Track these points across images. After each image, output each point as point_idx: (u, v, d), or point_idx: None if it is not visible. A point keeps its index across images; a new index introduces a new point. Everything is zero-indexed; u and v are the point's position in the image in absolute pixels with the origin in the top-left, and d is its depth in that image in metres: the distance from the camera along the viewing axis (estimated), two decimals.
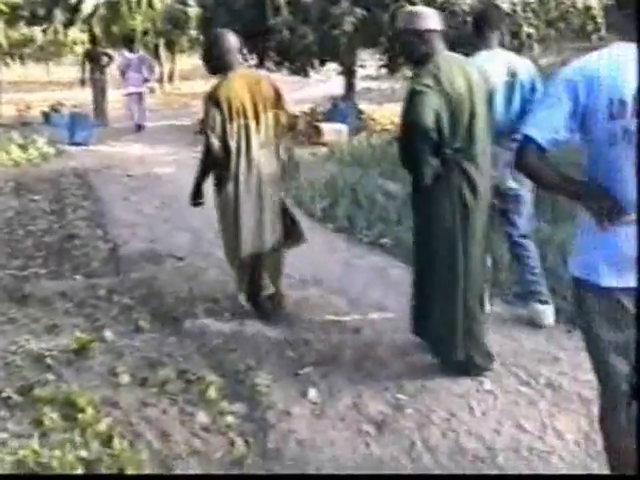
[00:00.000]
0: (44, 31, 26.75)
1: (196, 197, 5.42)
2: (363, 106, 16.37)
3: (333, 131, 13.21)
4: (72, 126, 13.69)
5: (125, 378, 4.45)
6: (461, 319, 4.26)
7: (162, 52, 23.23)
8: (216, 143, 5.04)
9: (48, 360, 4.68)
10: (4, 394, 4.28)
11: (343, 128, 13.47)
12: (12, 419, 4.07)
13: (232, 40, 5.16)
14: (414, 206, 4.49)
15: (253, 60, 15.90)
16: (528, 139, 2.62)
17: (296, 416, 4.03)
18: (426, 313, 4.43)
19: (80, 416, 4.01)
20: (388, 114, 15.82)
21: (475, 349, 4.33)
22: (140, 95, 16.10)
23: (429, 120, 4.02)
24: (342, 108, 14.69)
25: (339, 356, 4.71)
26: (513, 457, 3.62)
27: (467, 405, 4.09)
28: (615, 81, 2.48)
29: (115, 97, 18.25)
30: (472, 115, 4.16)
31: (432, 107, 4.03)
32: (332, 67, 17.24)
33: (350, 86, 15.74)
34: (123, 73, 16.18)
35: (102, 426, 3.92)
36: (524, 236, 5.12)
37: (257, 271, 5.30)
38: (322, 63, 15.72)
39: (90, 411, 4.05)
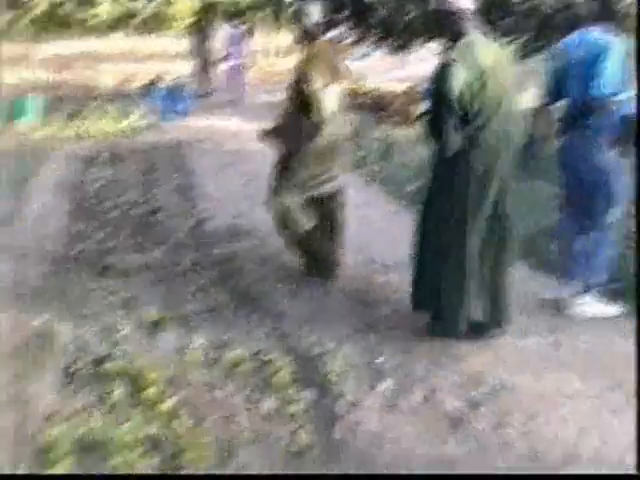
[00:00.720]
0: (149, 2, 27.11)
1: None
2: None
3: None
4: (169, 99, 13.75)
5: (196, 356, 4.35)
6: (469, 281, 4.39)
7: (260, 27, 23.12)
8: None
9: (120, 334, 4.64)
10: (75, 366, 4.25)
11: None
12: (79, 393, 4.02)
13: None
14: (432, 170, 4.49)
15: (353, 36, 15.68)
16: None
17: (366, 407, 3.84)
18: (431, 281, 4.52)
19: (146, 393, 3.93)
20: None
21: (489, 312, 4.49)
22: (239, 69, 16.19)
23: (455, 92, 4.12)
24: None
25: (416, 347, 4.49)
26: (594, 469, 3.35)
27: (547, 406, 3.82)
28: None
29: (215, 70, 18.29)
30: (499, 94, 4.23)
31: (459, 80, 4.13)
32: (434, 46, 16.83)
33: None
34: (225, 47, 16.27)
35: (167, 405, 3.83)
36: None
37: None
38: (428, 41, 15.30)
39: (157, 389, 3.97)
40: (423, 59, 19.69)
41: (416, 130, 11.92)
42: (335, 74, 5.31)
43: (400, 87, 14.99)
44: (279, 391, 4.00)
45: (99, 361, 4.29)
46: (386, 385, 4.05)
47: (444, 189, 4.37)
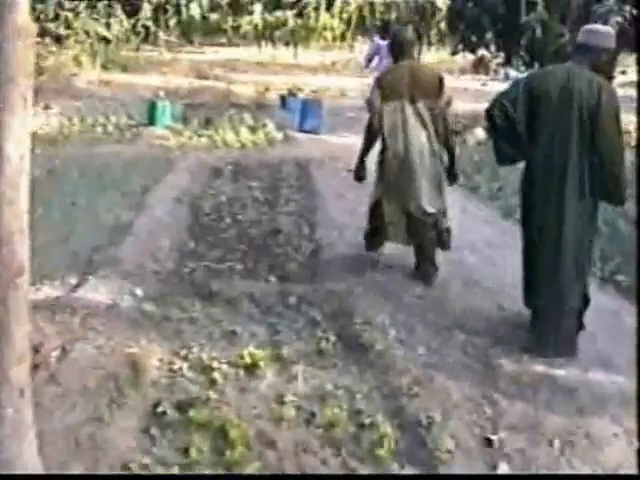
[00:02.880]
0: (298, 15, 27.28)
1: (359, 171, 6.19)
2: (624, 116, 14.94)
3: None
4: (303, 112, 13.44)
5: (290, 411, 3.90)
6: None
7: None
8: (373, 120, 5.81)
9: (215, 374, 4.24)
10: (160, 408, 3.87)
11: None
12: (161, 441, 3.65)
13: (407, 35, 5.97)
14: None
15: (500, 58, 15.01)
16: None
17: None
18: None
19: (229, 453, 3.51)
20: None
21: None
22: None
23: (493, 107, 4.89)
24: None
25: (544, 423, 3.88)
26: None
27: None
28: None
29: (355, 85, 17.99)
30: (559, 114, 4.70)
31: (501, 99, 4.89)
32: None
33: None
34: (369, 60, 15.88)
35: (251, 469, 3.39)
36: None
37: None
38: None
39: (241, 448, 3.54)
40: None
41: None
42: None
43: None
44: (379, 464, 3.50)
45: (186, 405, 3.90)
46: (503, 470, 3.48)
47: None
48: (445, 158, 5.94)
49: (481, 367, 4.53)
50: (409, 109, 5.70)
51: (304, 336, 4.86)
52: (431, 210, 5.73)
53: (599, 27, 5.18)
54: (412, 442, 3.67)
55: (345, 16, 15.66)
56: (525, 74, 5.16)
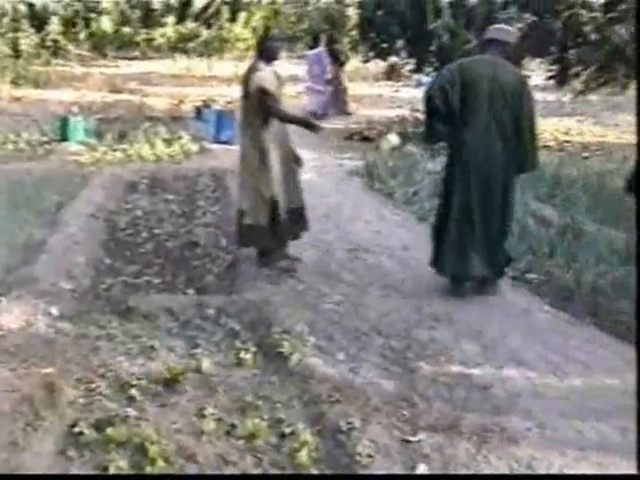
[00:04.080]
0: (209, 27, 27.15)
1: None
2: None
3: None
4: (219, 123, 13.39)
5: (211, 424, 3.88)
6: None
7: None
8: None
9: (134, 390, 4.20)
10: (77, 428, 3.81)
11: None
12: (78, 461, 3.59)
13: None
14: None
15: (411, 65, 15.23)
16: None
17: None
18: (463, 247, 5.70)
19: (149, 469, 3.48)
20: (551, 129, 14.73)
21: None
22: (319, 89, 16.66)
23: (434, 90, 5.59)
24: None
25: (460, 422, 3.95)
26: None
27: None
28: None
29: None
30: (487, 100, 5.48)
31: (441, 82, 5.59)
32: None
33: None
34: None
35: None
36: None
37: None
38: None
39: (161, 464, 3.51)
40: None
41: None
42: None
43: None
44: (299, 471, 3.51)
45: (104, 424, 3.84)
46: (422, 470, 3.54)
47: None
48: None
49: (399, 370, 4.59)
50: None
51: (223, 348, 4.86)
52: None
53: (504, 25, 6.20)
54: (332, 448, 3.69)
55: (251, 26, 15.65)
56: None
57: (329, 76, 16.60)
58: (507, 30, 5.86)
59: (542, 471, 3.53)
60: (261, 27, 16.27)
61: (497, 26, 5.97)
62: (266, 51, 6.16)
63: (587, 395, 4.30)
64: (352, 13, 15.40)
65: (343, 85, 17.49)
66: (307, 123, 6.27)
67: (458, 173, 5.65)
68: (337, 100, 17.06)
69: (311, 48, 17.39)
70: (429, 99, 5.61)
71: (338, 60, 16.47)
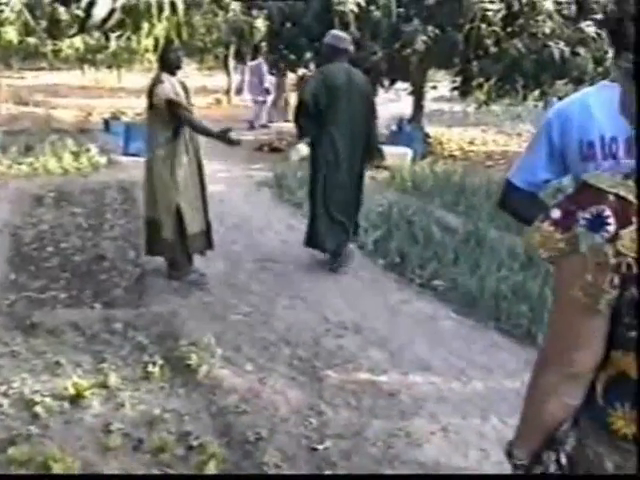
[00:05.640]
0: (118, 38, 26.70)
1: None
2: (432, 129, 15.65)
3: (396, 155, 12.47)
4: (127, 136, 13.25)
5: (117, 439, 3.85)
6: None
7: (230, 63, 22.81)
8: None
9: (38, 408, 4.12)
10: None
11: (407, 152, 12.74)
12: None
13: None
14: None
15: None
16: (508, 181, 2.64)
17: None
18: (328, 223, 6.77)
19: None
20: (457, 138, 15.06)
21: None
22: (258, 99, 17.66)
23: (307, 96, 6.58)
24: (408, 130, 13.96)
25: (367, 428, 4.02)
26: None
27: None
28: (585, 122, 2.38)
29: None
30: (346, 101, 6.53)
31: (311, 90, 6.56)
32: (404, 86, 16.58)
33: (419, 107, 14.97)
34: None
35: None
36: None
37: None
38: (392, 82, 15.08)
39: None
40: (392, 100, 19.54)
41: (382, 174, 11.61)
42: None
43: None
44: None
45: (6, 443, 3.77)
46: None
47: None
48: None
49: (307, 379, 4.64)
50: None
51: (130, 362, 4.81)
52: None
53: (342, 33, 7.17)
54: (240, 459, 3.71)
55: (154, 38, 15.45)
56: None
57: (268, 85, 16.95)
58: (345, 38, 6.81)
59: (446, 473, 3.62)
60: (163, 39, 16.03)
61: (339, 35, 6.94)
62: (167, 62, 6.16)
63: (488, 398, 4.44)
64: (261, 25, 15.40)
65: (285, 94, 17.97)
66: (221, 136, 6.16)
67: (325, 162, 6.69)
68: (278, 109, 17.56)
69: (253, 59, 17.95)
70: (304, 103, 6.65)
71: (280, 70, 16.58)
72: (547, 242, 1.50)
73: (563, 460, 1.59)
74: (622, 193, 1.43)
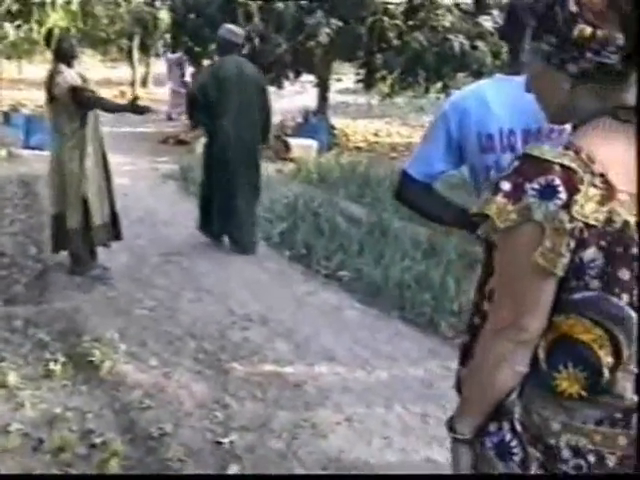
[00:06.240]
0: (18, 27, 25.91)
1: None
2: (338, 121, 15.74)
3: (301, 147, 12.53)
4: (28, 128, 12.90)
5: (16, 440, 3.76)
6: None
7: (135, 55, 22.41)
8: None
9: None
10: None
11: (312, 144, 12.80)
12: None
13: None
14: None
15: None
16: (404, 172, 2.64)
17: None
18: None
19: None
20: (362, 130, 15.20)
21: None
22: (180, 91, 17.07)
23: (196, 89, 7.08)
24: (313, 122, 14.02)
25: (272, 420, 4.04)
26: None
27: None
28: (484, 115, 2.42)
29: None
30: (237, 92, 6.88)
31: (201, 82, 7.06)
32: (310, 78, 16.62)
33: (324, 99, 15.04)
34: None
35: None
36: None
37: None
38: (297, 74, 15.10)
39: None
40: (298, 92, 19.57)
41: (288, 166, 11.64)
42: None
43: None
44: None
45: None
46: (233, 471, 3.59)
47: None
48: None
49: (213, 372, 4.62)
50: None
51: (31, 360, 4.70)
52: None
53: (234, 27, 7.39)
54: (144, 455, 3.67)
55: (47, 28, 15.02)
56: None
57: (188, 79, 16.70)
58: (238, 32, 7.21)
59: (349, 462, 3.66)
60: (58, 29, 15.64)
61: (232, 29, 7.22)
62: (61, 52, 6.03)
63: (392, 386, 4.50)
64: (164, 16, 15.20)
65: None
66: (131, 108, 6.17)
67: (217, 151, 7.08)
68: None
69: (173, 51, 17.68)
70: (193, 96, 7.10)
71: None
72: (501, 214, 1.56)
73: (518, 427, 1.64)
74: (566, 162, 1.52)
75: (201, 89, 6.97)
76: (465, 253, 6.46)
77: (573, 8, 1.55)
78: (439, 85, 13.59)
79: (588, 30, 1.54)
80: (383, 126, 16.68)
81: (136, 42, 21.11)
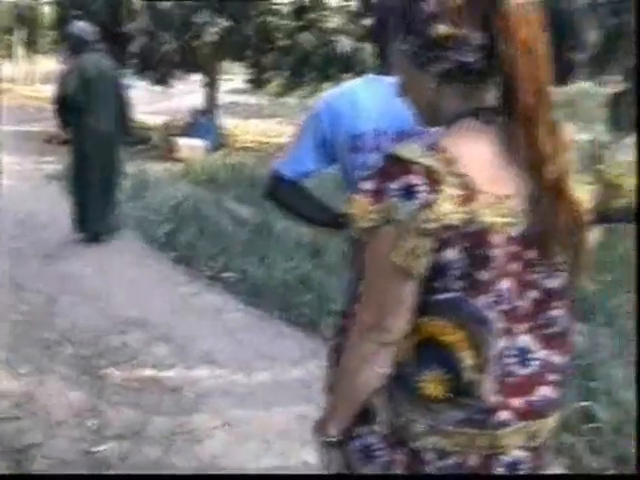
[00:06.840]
0: None
1: None
2: (228, 121, 15.61)
3: (190, 147, 12.38)
4: None
5: None
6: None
7: (19, 51, 21.72)
8: None
9: None
10: None
11: (200, 144, 12.67)
12: None
13: None
14: None
15: None
16: (275, 171, 2.59)
17: None
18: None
19: None
20: (252, 130, 15.14)
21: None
22: None
23: (65, 91, 7.12)
24: (202, 122, 13.88)
25: (148, 427, 3.94)
26: None
27: None
28: (354, 115, 2.40)
29: None
30: (98, 90, 7.11)
31: (65, 82, 7.16)
32: (200, 78, 16.44)
33: (213, 99, 14.90)
34: None
35: None
36: None
37: None
38: (188, 73, 14.92)
39: None
40: (189, 92, 19.36)
41: (177, 166, 11.49)
42: None
43: (160, 121, 14.47)
44: None
45: None
46: None
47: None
48: None
49: (88, 379, 4.48)
50: None
51: None
52: None
53: (86, 25, 7.50)
54: (10, 469, 3.52)
55: None
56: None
57: None
58: (90, 30, 7.34)
59: (222, 468, 3.60)
60: None
61: (83, 27, 7.42)
62: None
63: (273, 388, 4.47)
64: (47, 11, 14.77)
65: None
66: None
67: (86, 149, 7.25)
68: None
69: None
70: (63, 99, 7.16)
71: None
72: (363, 214, 1.53)
73: (384, 430, 1.64)
74: (428, 162, 1.49)
75: (71, 91, 7.09)
76: (348, 253, 6.47)
77: (431, 8, 1.54)
78: (328, 85, 13.64)
79: (445, 29, 1.53)
80: (274, 126, 16.65)
81: (18, 37, 20.50)
